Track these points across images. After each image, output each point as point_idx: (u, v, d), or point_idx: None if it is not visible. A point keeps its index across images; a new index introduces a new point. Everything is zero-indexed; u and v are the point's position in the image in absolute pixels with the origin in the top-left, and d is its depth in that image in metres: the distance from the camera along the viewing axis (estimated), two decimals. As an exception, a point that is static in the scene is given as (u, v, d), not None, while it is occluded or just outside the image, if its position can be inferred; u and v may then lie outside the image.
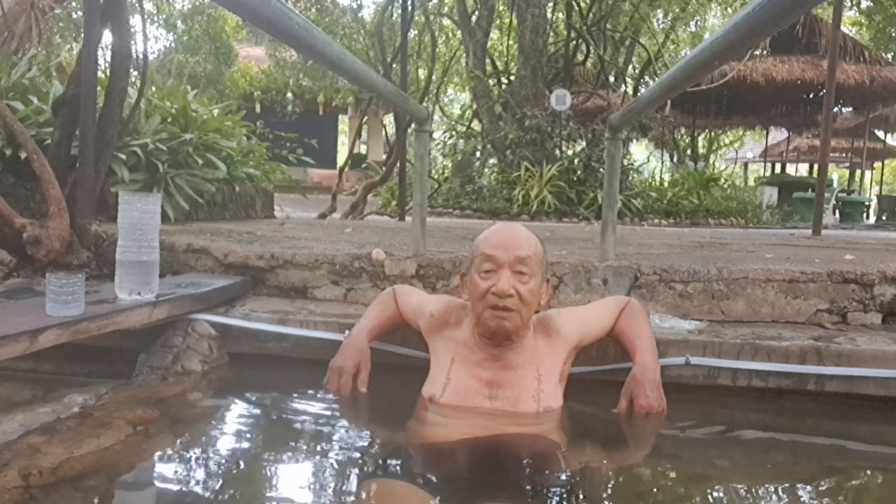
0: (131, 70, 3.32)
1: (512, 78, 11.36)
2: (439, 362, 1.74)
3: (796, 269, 2.20)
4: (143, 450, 1.46)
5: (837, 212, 13.44)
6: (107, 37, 2.93)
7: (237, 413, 1.82)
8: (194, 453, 1.50)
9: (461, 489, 1.31)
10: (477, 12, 10.85)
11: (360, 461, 1.50)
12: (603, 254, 2.44)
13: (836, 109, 14.31)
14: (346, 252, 2.40)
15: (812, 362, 1.85)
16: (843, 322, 2.18)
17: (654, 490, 1.42)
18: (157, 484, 1.35)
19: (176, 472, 1.39)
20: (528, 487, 1.36)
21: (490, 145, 10.34)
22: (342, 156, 17.45)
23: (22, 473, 1.24)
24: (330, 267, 2.37)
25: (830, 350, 1.85)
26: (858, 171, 20.50)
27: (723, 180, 11.37)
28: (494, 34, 13.85)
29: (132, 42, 3.04)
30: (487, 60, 11.65)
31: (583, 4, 11.63)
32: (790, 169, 21.42)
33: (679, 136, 18.41)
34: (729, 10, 14.32)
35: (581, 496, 1.33)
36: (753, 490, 1.41)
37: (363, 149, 19.45)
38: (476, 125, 11.60)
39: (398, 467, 1.47)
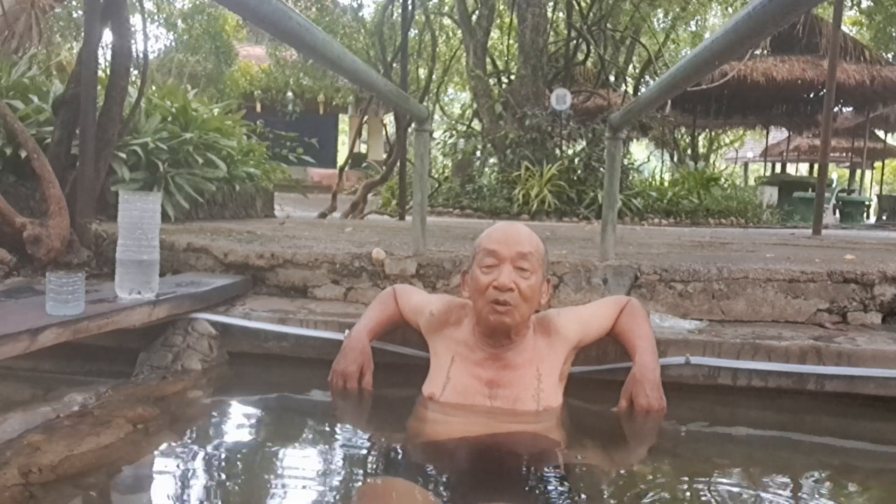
0: (131, 69, 3.32)
1: (512, 77, 11.36)
2: (439, 362, 1.74)
3: (796, 269, 2.20)
4: (142, 448, 1.46)
5: (837, 211, 13.45)
6: (107, 36, 2.93)
7: (237, 412, 1.83)
8: (194, 452, 1.50)
9: (461, 487, 1.31)
10: (477, 12, 10.85)
11: (360, 459, 1.50)
12: (603, 253, 2.44)
13: (836, 109, 14.30)
14: (347, 251, 2.40)
15: (812, 362, 1.85)
16: (843, 322, 2.18)
17: (654, 489, 1.41)
18: (157, 482, 1.35)
19: (176, 470, 1.39)
20: (528, 485, 1.36)
21: (490, 145, 10.33)
22: (342, 155, 17.44)
23: (22, 471, 1.24)
24: (330, 266, 2.37)
25: (830, 350, 1.85)
26: (858, 171, 20.50)
27: (723, 180, 11.38)
28: (495, 33, 13.85)
29: (132, 41, 3.04)
30: (488, 60, 11.65)
31: (583, 4, 11.63)
32: (790, 169, 21.42)
33: (679, 136, 18.40)
34: (729, 9, 14.32)
35: (581, 494, 1.33)
36: (753, 489, 1.41)
37: (363, 148, 19.45)
38: (476, 124, 11.60)
39: (398, 465, 1.47)
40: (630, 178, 9.65)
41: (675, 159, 16.68)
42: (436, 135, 11.55)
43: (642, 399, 1.68)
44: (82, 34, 2.81)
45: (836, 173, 22.88)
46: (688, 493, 1.40)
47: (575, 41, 11.77)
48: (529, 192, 8.47)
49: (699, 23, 18.84)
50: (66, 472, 1.28)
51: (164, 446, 1.52)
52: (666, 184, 10.57)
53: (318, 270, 2.37)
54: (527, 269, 1.61)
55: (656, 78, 9.15)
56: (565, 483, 1.38)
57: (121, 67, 2.86)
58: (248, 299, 2.30)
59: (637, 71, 14.82)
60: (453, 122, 13.23)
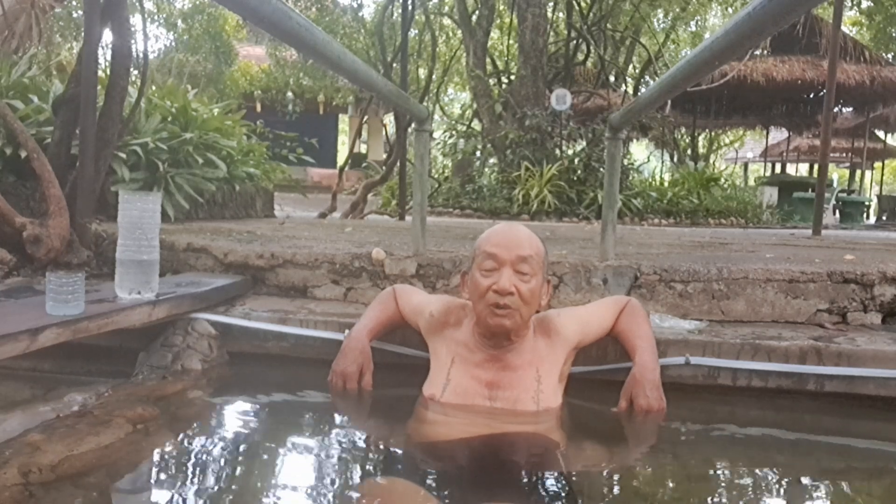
0: (131, 69, 3.31)
1: (512, 77, 11.36)
2: (439, 363, 1.74)
3: (796, 269, 2.21)
4: (142, 448, 1.46)
5: (837, 212, 13.44)
6: (107, 36, 2.93)
7: (237, 412, 1.83)
8: (194, 452, 1.50)
9: (461, 487, 1.31)
10: (477, 12, 10.85)
11: (360, 459, 1.51)
12: (603, 253, 2.44)
13: (836, 109, 14.30)
14: (346, 251, 2.40)
15: (812, 362, 1.85)
16: (843, 322, 2.18)
17: (654, 489, 1.42)
18: (157, 482, 1.35)
19: (175, 470, 1.39)
20: (528, 486, 1.36)
21: (490, 145, 10.33)
22: (342, 155, 17.45)
23: (22, 471, 1.24)
24: (330, 266, 2.37)
25: (830, 350, 1.86)
26: (858, 171, 20.50)
27: (723, 180, 11.37)
28: (495, 34, 13.85)
29: (132, 41, 3.04)
30: (488, 60, 11.65)
31: (583, 4, 11.63)
32: (790, 169, 21.41)
33: (679, 136, 18.40)
34: (729, 9, 14.33)
35: (580, 495, 1.33)
36: (753, 489, 1.41)
37: (363, 148, 19.45)
38: (476, 125, 11.60)
39: (398, 465, 1.47)
40: (630, 178, 9.64)
41: (675, 159, 16.69)
42: (436, 135, 11.55)
43: (642, 399, 1.68)
44: (82, 34, 2.81)
45: (836, 173, 22.87)
46: (688, 494, 1.40)
47: (575, 41, 11.77)
48: (529, 193, 8.47)
49: (699, 23, 18.85)
50: (66, 471, 1.28)
51: (164, 446, 1.52)
52: (666, 184, 10.56)
53: (318, 270, 2.37)
54: (527, 272, 1.61)
55: (656, 78, 9.15)
56: (565, 483, 1.38)
57: (121, 67, 2.86)
58: (248, 299, 2.30)
59: (637, 71, 14.84)
60: (453, 122, 13.23)
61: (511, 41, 12.85)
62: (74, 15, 9.87)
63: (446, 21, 13.72)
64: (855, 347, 1.86)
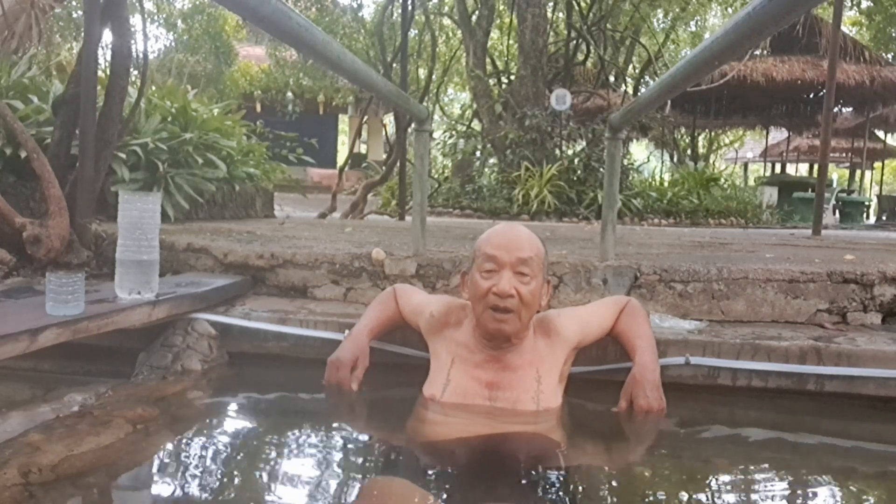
0: (131, 69, 3.31)
1: (512, 77, 11.36)
2: (439, 363, 1.74)
3: (796, 269, 2.21)
4: (142, 448, 1.46)
5: (837, 212, 13.44)
6: (107, 36, 2.93)
7: (237, 412, 1.83)
8: (194, 452, 1.50)
9: (461, 487, 1.31)
10: (477, 12, 10.85)
11: (359, 459, 1.51)
12: (603, 253, 2.44)
13: (836, 109, 14.30)
14: (346, 251, 2.40)
15: (812, 362, 1.85)
16: (842, 322, 2.18)
17: (654, 489, 1.42)
18: (157, 482, 1.35)
19: (175, 470, 1.39)
20: (528, 486, 1.36)
21: (490, 145, 10.34)
22: (342, 155, 17.46)
23: (22, 471, 1.24)
24: (330, 266, 2.37)
25: (830, 350, 1.86)
26: (858, 171, 20.50)
27: (723, 180, 11.37)
28: (495, 34, 13.86)
29: (132, 41, 3.04)
30: (487, 60, 11.65)
31: (583, 4, 11.63)
32: (790, 169, 21.42)
33: (679, 136, 18.41)
34: (729, 9, 14.34)
35: (580, 495, 1.33)
36: (753, 489, 1.41)
37: (363, 148, 19.46)
38: (476, 125, 11.60)
39: (398, 465, 1.47)
40: (630, 178, 9.65)
41: (675, 159, 16.69)
42: (436, 135, 11.56)
43: (642, 399, 1.68)
44: (82, 34, 2.80)
45: (836, 174, 22.88)
46: (687, 494, 1.40)
47: (575, 41, 11.78)
48: (529, 193, 8.47)
49: (699, 23, 18.86)
50: (66, 472, 1.28)
51: (164, 446, 1.52)
52: (666, 184, 10.57)
53: (318, 270, 2.37)
54: (527, 273, 1.61)
55: (656, 78, 9.14)
56: (565, 483, 1.38)
57: (121, 67, 2.86)
58: (248, 299, 2.30)
59: (637, 71, 14.84)
60: (453, 122, 13.23)
61: (511, 41, 12.85)
62: (74, 15, 9.87)
63: (446, 21, 13.72)
64: (855, 347, 1.86)
